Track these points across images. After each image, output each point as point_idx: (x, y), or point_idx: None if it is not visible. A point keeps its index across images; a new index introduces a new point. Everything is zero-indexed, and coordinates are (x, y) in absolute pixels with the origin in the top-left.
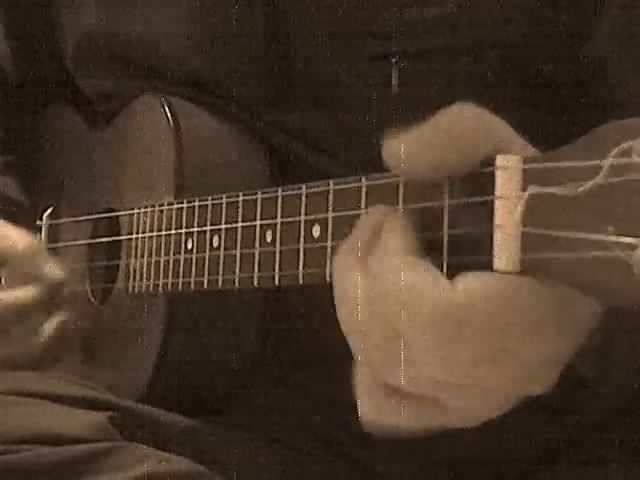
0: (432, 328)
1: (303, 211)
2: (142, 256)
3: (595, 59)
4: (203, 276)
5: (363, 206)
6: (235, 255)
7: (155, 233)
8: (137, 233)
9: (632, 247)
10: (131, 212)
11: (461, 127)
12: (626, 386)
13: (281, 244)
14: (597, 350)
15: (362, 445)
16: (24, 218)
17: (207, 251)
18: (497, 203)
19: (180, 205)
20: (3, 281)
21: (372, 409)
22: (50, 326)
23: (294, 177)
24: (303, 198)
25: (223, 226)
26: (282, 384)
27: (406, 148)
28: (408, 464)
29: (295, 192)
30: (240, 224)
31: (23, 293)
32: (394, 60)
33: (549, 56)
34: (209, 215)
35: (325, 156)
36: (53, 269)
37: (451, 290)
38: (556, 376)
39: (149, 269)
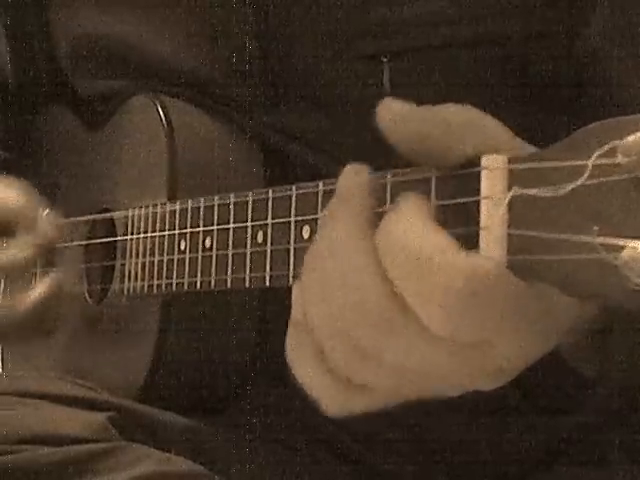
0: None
1: (293, 212)
2: (137, 257)
3: (588, 55)
4: (196, 277)
5: None
6: (227, 256)
7: (149, 234)
8: (131, 234)
9: (618, 248)
10: (125, 213)
11: (452, 115)
12: (625, 385)
13: (272, 245)
14: (594, 347)
15: (362, 445)
16: None
17: (200, 252)
18: (482, 204)
19: (173, 206)
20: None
21: (333, 402)
22: (41, 286)
23: (291, 177)
24: (293, 199)
25: (215, 227)
26: (282, 384)
27: (402, 109)
28: (408, 464)
29: (285, 193)
30: (232, 225)
31: (14, 250)
32: (385, 59)
33: (542, 52)
34: (201, 216)
35: (321, 156)
36: (46, 224)
37: (465, 259)
38: (508, 378)
39: (143, 270)
